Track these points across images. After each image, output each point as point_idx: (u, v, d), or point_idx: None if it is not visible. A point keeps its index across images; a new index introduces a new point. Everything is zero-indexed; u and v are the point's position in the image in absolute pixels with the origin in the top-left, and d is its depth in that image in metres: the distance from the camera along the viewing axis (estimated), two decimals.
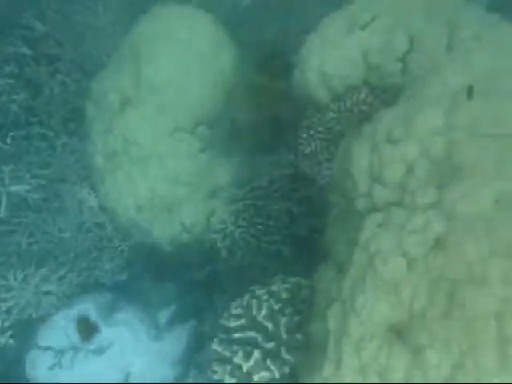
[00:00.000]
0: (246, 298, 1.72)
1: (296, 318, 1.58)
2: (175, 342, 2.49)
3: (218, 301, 2.37)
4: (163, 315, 2.62)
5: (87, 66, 2.32)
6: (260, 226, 2.27)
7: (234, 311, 1.69)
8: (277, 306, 1.63)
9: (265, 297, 1.68)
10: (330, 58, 1.65)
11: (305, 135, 1.79)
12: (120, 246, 2.57)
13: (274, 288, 1.71)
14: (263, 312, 1.62)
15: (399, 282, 1.16)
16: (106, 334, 2.34)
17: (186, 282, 2.66)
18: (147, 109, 2.16)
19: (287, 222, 2.26)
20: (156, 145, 2.20)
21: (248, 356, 1.54)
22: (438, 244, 1.17)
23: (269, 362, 1.49)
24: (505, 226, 1.12)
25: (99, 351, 2.28)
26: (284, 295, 1.67)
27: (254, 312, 1.64)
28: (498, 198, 1.15)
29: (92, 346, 2.29)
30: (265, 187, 2.27)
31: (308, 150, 1.78)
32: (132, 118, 2.18)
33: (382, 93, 1.56)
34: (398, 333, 1.18)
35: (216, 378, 1.57)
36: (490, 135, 1.21)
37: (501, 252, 1.09)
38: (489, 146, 1.19)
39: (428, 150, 1.26)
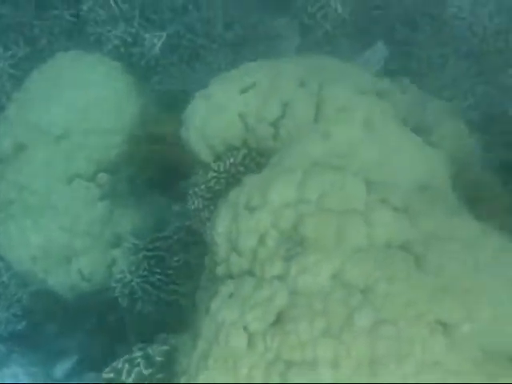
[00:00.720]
0: (121, 361, 1.65)
1: None
2: None
3: (119, 351, 2.27)
4: (60, 368, 2.48)
5: None
6: (160, 276, 2.23)
7: (105, 375, 1.61)
8: (147, 372, 1.57)
9: (138, 360, 1.62)
10: (210, 119, 1.67)
11: (191, 191, 1.78)
12: (17, 293, 2.43)
13: (151, 351, 1.65)
14: (132, 377, 1.55)
15: (238, 360, 1.14)
16: None
17: (87, 332, 2.54)
18: (41, 155, 2.10)
19: (186, 273, 2.23)
20: (51, 192, 2.13)
21: None
22: (279, 320, 1.16)
23: None
24: (339, 304, 1.12)
25: None
26: (158, 358, 1.62)
27: (124, 377, 1.57)
28: (335, 274, 1.16)
29: None
30: (166, 238, 2.24)
31: (193, 207, 1.76)
32: (25, 165, 2.11)
33: (257, 156, 1.59)
34: None
35: None
36: (333, 210, 1.23)
37: (333, 332, 1.09)
38: (331, 221, 1.21)
39: (278, 222, 1.27)
